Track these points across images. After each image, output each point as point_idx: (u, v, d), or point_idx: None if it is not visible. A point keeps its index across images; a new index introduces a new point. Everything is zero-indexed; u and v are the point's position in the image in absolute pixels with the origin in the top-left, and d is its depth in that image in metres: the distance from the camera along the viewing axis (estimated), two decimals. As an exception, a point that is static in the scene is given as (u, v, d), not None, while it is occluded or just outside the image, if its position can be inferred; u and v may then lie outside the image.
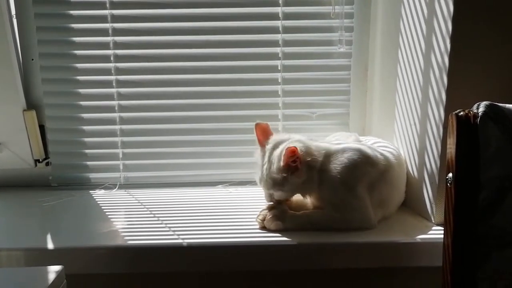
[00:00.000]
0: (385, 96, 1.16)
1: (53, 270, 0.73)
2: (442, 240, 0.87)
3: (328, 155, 0.92)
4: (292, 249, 0.88)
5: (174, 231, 0.93)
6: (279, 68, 1.20)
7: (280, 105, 1.22)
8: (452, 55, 0.87)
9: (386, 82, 1.16)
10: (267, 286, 1.00)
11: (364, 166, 0.91)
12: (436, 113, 0.92)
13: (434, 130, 0.93)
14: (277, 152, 0.91)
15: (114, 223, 0.98)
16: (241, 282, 0.99)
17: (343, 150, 0.92)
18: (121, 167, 1.24)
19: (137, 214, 1.03)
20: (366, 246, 0.89)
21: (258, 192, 1.15)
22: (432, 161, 0.94)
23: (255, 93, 1.22)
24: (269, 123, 1.20)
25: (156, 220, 0.99)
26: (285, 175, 0.88)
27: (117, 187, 1.22)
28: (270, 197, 0.94)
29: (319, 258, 0.89)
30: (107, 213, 1.05)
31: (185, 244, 0.87)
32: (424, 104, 0.96)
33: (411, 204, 1.01)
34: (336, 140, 1.03)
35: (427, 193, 0.97)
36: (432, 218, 0.95)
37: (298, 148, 0.88)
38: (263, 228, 0.93)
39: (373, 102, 1.22)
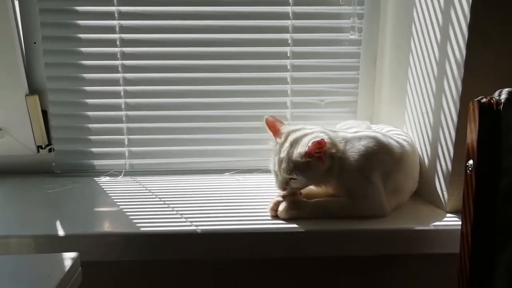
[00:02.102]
0: (394, 84, 1.16)
1: (68, 257, 0.71)
2: (454, 228, 0.88)
3: (346, 143, 0.91)
4: (306, 236, 0.88)
5: (186, 218, 0.92)
6: (288, 55, 1.18)
7: (288, 92, 1.21)
8: (470, 44, 0.86)
9: (396, 71, 1.15)
10: (281, 274, 1.00)
11: (380, 154, 0.91)
12: (451, 102, 0.92)
13: (448, 119, 0.93)
14: (304, 139, 0.89)
15: (123, 210, 0.97)
16: (255, 269, 0.99)
17: (360, 138, 0.92)
18: (126, 154, 1.21)
19: (147, 201, 1.02)
20: (378, 233, 0.89)
21: (266, 180, 1.15)
22: (445, 150, 0.94)
23: (264, 80, 1.20)
24: (277, 110, 1.22)
25: (166, 207, 0.98)
26: (309, 159, 0.87)
27: (122, 174, 1.20)
28: (285, 184, 0.91)
29: (333, 245, 0.89)
30: (115, 200, 1.03)
31: (199, 231, 0.86)
32: (438, 93, 0.96)
33: (422, 192, 1.02)
34: (349, 128, 1.02)
35: (439, 182, 0.97)
36: (444, 206, 0.96)
37: (326, 140, 0.87)
38: (275, 217, 0.92)
39: (381, 90, 1.22)
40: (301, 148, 0.88)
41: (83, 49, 1.15)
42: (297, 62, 1.19)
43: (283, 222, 0.90)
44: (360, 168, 0.89)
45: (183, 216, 0.93)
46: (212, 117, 1.22)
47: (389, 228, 0.89)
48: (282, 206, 0.91)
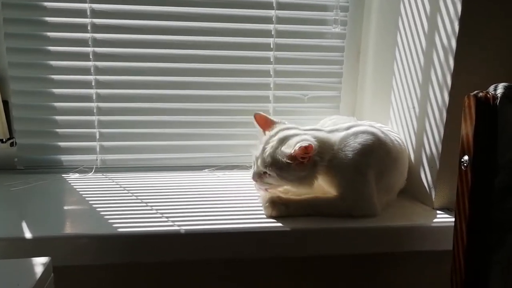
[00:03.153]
0: (379, 79, 1.14)
1: (39, 262, 0.64)
2: (445, 225, 0.87)
3: (339, 143, 0.87)
4: (293, 235, 0.84)
5: (167, 217, 0.85)
6: (271, 47, 1.14)
7: (271, 85, 1.17)
8: (461, 37, 0.85)
9: (380, 65, 1.13)
10: (269, 274, 0.95)
11: (378, 151, 0.88)
12: (439, 96, 0.90)
13: (436, 114, 0.92)
14: (293, 139, 0.84)
15: (97, 209, 0.89)
16: (242, 270, 0.93)
17: (355, 134, 0.88)
18: (97, 148, 1.13)
19: (122, 200, 0.94)
20: (368, 231, 0.87)
21: (248, 177, 1.11)
22: (433, 145, 0.93)
23: (246, 72, 1.16)
24: (259, 104, 1.18)
25: (145, 206, 0.91)
26: (287, 161, 0.83)
27: (93, 170, 1.12)
28: (257, 176, 0.88)
29: (322, 244, 0.86)
30: (87, 199, 0.95)
31: (183, 231, 0.80)
32: (426, 87, 0.94)
33: (408, 189, 1.00)
34: (334, 124, 0.99)
35: (426, 178, 0.96)
36: (431, 203, 0.94)
37: (313, 147, 0.82)
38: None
39: (365, 85, 1.20)
40: (287, 149, 0.83)
41: (50, 34, 1.06)
42: (281, 54, 1.15)
43: (272, 220, 0.86)
44: (356, 165, 0.85)
45: (164, 215, 0.86)
46: (190, 111, 1.16)
47: (379, 226, 0.87)
48: (267, 203, 0.86)
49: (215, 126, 1.17)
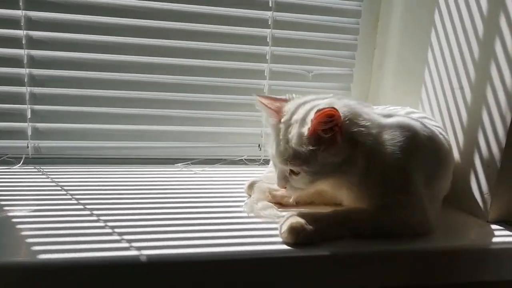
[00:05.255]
0: (406, 53, 0.92)
1: None
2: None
3: (381, 131, 0.63)
4: (316, 262, 0.58)
5: (121, 235, 0.57)
6: (270, 5, 0.87)
7: (267, 57, 0.90)
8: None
9: (409, 35, 0.91)
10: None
11: (428, 152, 0.66)
12: (507, 71, 0.67)
13: (500, 97, 0.68)
14: (310, 114, 0.60)
15: (14, 220, 0.59)
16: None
17: (401, 127, 0.64)
18: (29, 132, 0.84)
19: (57, 206, 0.66)
20: (416, 255, 0.61)
21: (235, 174, 0.86)
22: (492, 139, 0.70)
23: (236, 37, 0.89)
24: (251, 80, 0.92)
25: (89, 216, 0.62)
26: (312, 148, 0.59)
27: (21, 161, 0.83)
28: (283, 180, 0.64)
29: (358, 274, 0.60)
30: (2, 203, 0.65)
31: (143, 258, 0.52)
32: (484, 62, 0.71)
33: (450, 196, 0.76)
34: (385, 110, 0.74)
35: (478, 182, 0.72)
36: (484, 214, 0.71)
37: (340, 112, 0.58)
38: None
39: (385, 60, 0.97)
40: (302, 127, 0.60)
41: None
42: (281, 16, 0.89)
43: (277, 241, 0.59)
44: (401, 168, 0.62)
45: (116, 231, 0.58)
46: (160, 85, 0.88)
47: (434, 247, 0.62)
48: (288, 224, 0.59)
49: (193, 107, 0.90)
